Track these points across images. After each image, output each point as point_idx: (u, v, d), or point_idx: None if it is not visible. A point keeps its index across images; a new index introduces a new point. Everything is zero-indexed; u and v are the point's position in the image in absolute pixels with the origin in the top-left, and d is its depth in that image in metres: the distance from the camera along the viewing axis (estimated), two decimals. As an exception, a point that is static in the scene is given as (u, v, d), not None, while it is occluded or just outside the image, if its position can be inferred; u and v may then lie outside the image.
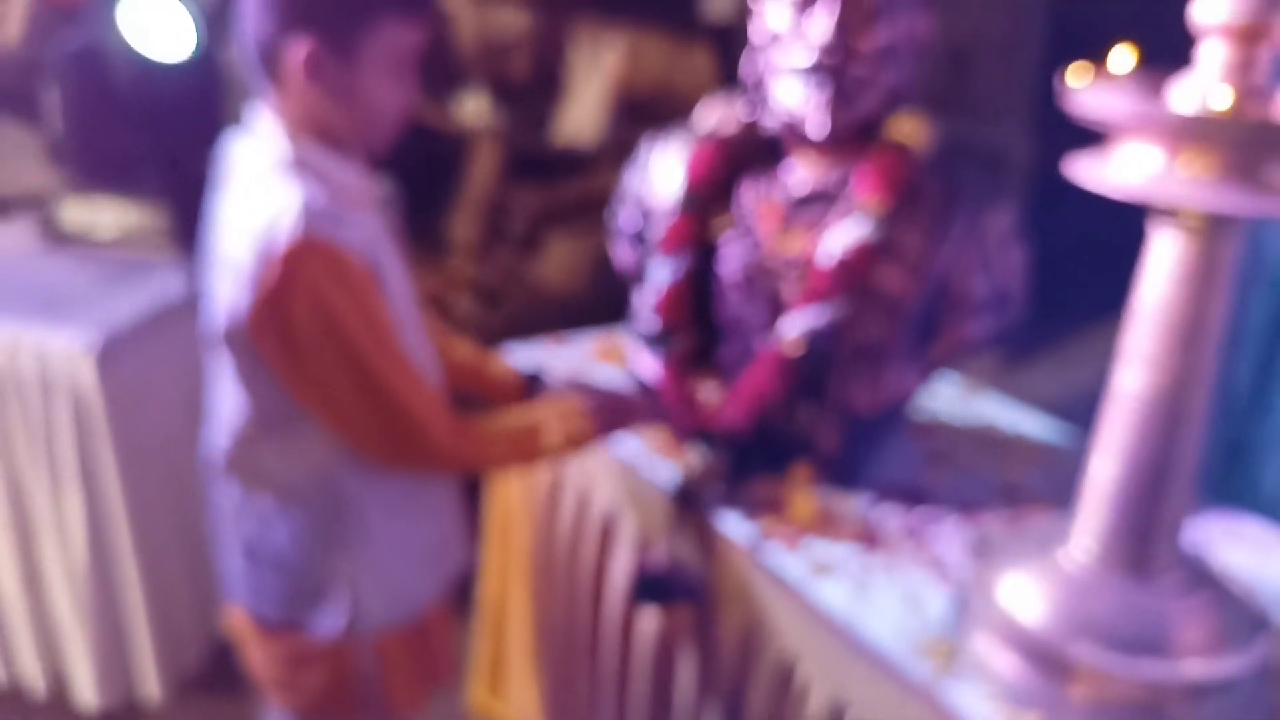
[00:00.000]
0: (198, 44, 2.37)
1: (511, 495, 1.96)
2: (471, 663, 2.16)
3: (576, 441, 1.48)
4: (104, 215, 2.65)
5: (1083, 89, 1.03)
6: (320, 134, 1.33)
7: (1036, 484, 1.62)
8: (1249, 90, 1.01)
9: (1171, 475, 1.14)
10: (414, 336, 1.43)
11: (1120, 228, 1.35)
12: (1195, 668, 1.13)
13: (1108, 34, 1.33)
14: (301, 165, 1.31)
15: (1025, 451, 1.74)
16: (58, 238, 2.65)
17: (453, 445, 1.38)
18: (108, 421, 2.18)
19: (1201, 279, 1.07)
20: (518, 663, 2.06)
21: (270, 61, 1.31)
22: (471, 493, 1.73)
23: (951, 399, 1.89)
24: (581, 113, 3.92)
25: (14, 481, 2.26)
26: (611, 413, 1.53)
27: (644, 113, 3.85)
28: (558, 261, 3.82)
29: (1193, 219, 1.05)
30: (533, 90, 4.12)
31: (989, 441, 1.77)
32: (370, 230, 1.34)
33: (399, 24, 1.30)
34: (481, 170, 4.12)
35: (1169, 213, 1.06)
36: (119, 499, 2.23)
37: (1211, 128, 0.99)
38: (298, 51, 1.28)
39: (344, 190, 1.33)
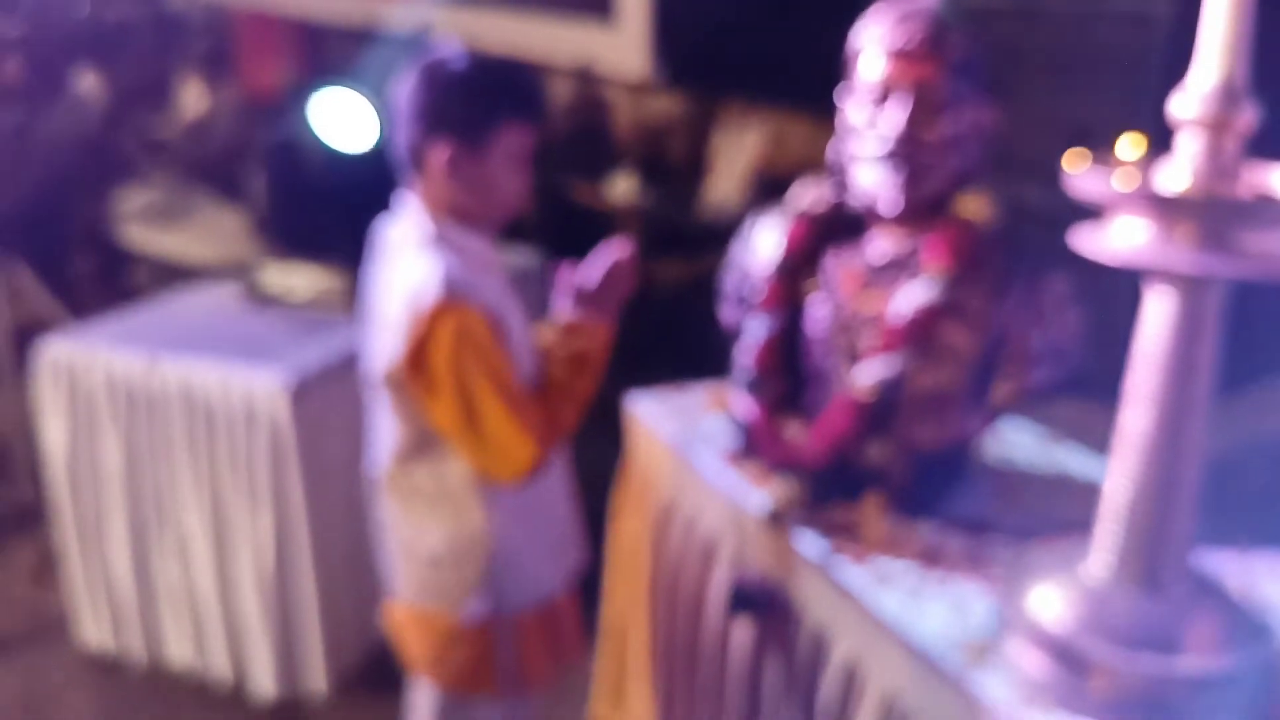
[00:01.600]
0: (380, 136, 2.80)
1: (633, 525, 2.23)
2: (595, 682, 2.42)
3: (599, 342, 1.72)
4: (298, 279, 3.05)
5: (1079, 173, 1.26)
6: (456, 214, 1.68)
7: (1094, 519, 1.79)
8: (1218, 171, 1.21)
9: (1174, 497, 1.33)
10: (527, 361, 1.73)
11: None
12: (1196, 663, 1.30)
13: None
14: (441, 240, 1.66)
15: (1092, 493, 1.90)
16: (260, 298, 3.05)
17: (541, 447, 1.63)
18: (297, 449, 2.54)
19: (1189, 328, 1.27)
20: (636, 679, 2.30)
21: (417, 159, 1.67)
22: (584, 496, 2.01)
23: (1028, 446, 2.07)
24: (724, 190, 4.19)
25: (217, 499, 2.64)
26: (602, 299, 1.74)
27: (785, 189, 4.10)
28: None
29: (1178, 279, 1.25)
30: (682, 170, 4.44)
31: (1059, 484, 1.94)
32: (495, 289, 1.68)
33: (518, 127, 1.64)
34: (626, 245, 4.45)
35: (1158, 274, 1.27)
36: (303, 516, 2.57)
37: (1186, 204, 1.20)
38: (440, 153, 1.63)
39: (475, 258, 1.68)
